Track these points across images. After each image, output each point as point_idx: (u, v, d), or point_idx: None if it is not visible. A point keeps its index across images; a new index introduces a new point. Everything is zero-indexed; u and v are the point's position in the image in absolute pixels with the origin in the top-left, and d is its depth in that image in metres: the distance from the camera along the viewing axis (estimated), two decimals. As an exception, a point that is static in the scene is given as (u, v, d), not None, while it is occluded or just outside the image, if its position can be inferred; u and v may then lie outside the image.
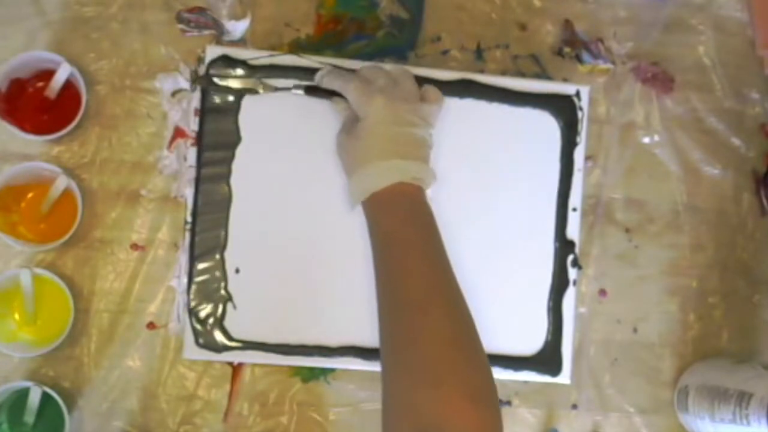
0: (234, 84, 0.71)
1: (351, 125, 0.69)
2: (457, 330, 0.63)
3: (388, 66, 0.71)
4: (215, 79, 0.71)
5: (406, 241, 0.66)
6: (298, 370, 0.75)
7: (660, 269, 0.81)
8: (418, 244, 0.66)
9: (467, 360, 0.61)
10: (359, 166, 0.67)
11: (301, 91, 0.72)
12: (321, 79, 0.71)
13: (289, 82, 0.72)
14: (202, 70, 0.72)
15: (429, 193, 0.69)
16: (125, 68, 0.74)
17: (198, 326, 0.70)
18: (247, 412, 0.74)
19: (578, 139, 0.76)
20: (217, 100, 0.71)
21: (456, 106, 0.74)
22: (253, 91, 0.71)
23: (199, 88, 0.72)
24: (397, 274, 0.65)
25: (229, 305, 0.71)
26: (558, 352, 0.75)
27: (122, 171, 0.74)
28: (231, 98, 0.72)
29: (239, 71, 0.72)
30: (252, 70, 0.72)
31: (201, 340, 0.71)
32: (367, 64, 0.71)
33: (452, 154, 0.74)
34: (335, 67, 0.72)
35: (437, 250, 0.66)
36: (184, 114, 0.74)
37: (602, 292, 0.80)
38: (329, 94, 0.71)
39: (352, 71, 0.71)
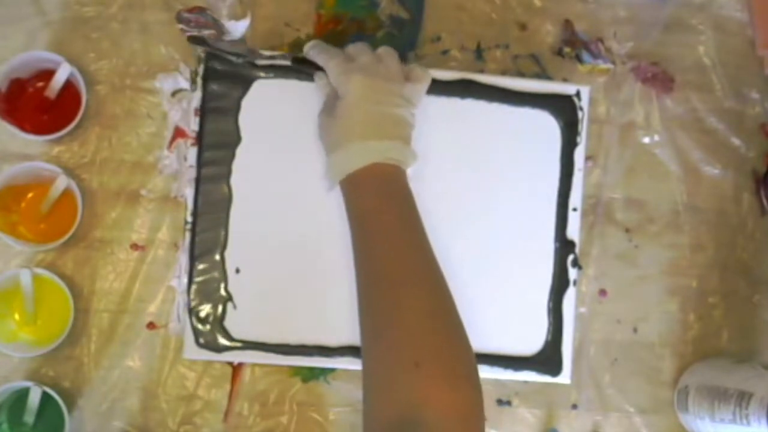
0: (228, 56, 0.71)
1: (331, 104, 0.69)
2: (436, 307, 0.62)
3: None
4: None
5: (382, 221, 0.65)
6: (298, 370, 0.75)
7: (660, 269, 0.81)
8: (394, 223, 0.65)
9: (447, 338, 0.61)
10: (336, 147, 0.67)
11: (288, 62, 0.71)
12: (308, 51, 0.71)
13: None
14: (201, 70, 0.72)
15: (410, 172, 0.68)
16: (125, 68, 0.74)
17: (198, 326, 0.70)
18: (247, 412, 0.74)
19: (578, 139, 0.76)
20: (217, 99, 0.71)
21: (456, 106, 0.74)
22: (243, 56, 0.71)
23: (199, 88, 0.72)
24: (373, 253, 0.64)
25: (229, 305, 0.71)
26: (558, 352, 0.75)
27: (122, 171, 0.74)
28: (231, 97, 0.72)
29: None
30: (251, 66, 0.72)
31: (201, 340, 0.71)
32: (356, 42, 0.71)
33: (452, 154, 0.74)
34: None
35: (414, 229, 0.66)
36: (184, 114, 0.74)
37: (602, 292, 0.80)
38: (315, 67, 0.70)
39: (335, 49, 0.70)
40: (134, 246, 0.74)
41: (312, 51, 0.70)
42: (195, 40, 0.70)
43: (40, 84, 0.72)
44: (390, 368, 0.59)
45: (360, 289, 0.65)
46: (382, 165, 0.66)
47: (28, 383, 0.68)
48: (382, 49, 0.70)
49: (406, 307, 0.61)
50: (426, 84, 0.70)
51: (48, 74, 0.71)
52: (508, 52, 0.80)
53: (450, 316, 0.62)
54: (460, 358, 0.61)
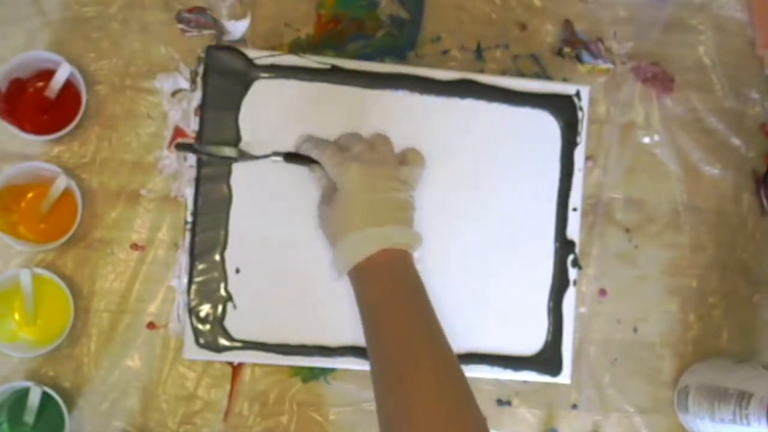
0: (215, 152, 0.71)
1: (329, 195, 0.69)
2: (448, 399, 0.61)
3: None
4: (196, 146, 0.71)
5: (388, 310, 0.65)
6: (298, 370, 0.75)
7: (660, 269, 0.81)
8: (401, 313, 0.64)
9: (457, 422, 0.60)
10: (339, 238, 0.66)
11: (280, 158, 0.71)
12: (299, 146, 0.71)
13: (269, 150, 0.71)
14: (201, 70, 0.72)
15: (417, 255, 0.68)
16: (125, 68, 0.74)
17: (198, 326, 0.70)
18: (247, 412, 0.74)
19: (578, 139, 0.76)
20: (217, 99, 0.71)
21: (456, 106, 0.74)
22: (233, 159, 0.71)
23: (198, 88, 0.72)
24: (383, 346, 0.64)
25: (229, 305, 0.71)
26: (558, 352, 0.75)
27: (122, 171, 0.74)
28: (231, 97, 0.72)
29: (239, 65, 0.71)
30: (253, 67, 0.72)
31: (201, 340, 0.71)
32: (346, 132, 0.71)
33: (452, 154, 0.74)
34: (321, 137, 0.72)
35: (423, 315, 0.65)
36: (184, 114, 0.74)
37: (602, 292, 0.80)
38: (309, 160, 0.70)
39: (327, 141, 0.70)
40: (134, 246, 0.73)
41: (305, 145, 0.70)
42: (182, 147, 0.71)
43: (40, 84, 0.72)
44: None
45: (373, 378, 0.64)
46: (388, 251, 0.65)
47: (28, 383, 0.68)
48: (374, 136, 0.71)
49: (419, 405, 0.60)
50: (422, 168, 0.71)
51: (48, 74, 0.71)
52: (508, 52, 0.80)
53: (460, 400, 0.62)
54: None
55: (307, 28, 0.77)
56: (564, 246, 0.75)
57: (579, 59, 0.80)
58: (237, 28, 0.74)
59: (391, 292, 0.65)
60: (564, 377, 0.75)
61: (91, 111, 0.74)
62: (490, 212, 0.74)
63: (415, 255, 0.68)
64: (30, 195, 0.72)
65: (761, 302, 0.82)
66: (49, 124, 0.71)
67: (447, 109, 0.73)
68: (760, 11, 0.83)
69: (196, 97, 0.72)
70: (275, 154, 0.71)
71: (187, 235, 0.71)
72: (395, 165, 0.69)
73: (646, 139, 0.82)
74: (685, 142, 0.82)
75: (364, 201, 0.66)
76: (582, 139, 0.76)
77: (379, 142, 0.70)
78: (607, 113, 0.81)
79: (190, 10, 0.75)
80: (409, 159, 0.70)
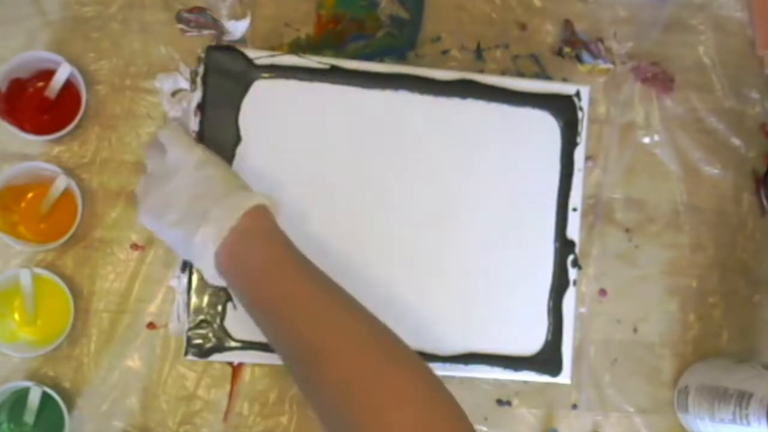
0: None
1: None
2: (379, 339, 0.59)
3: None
4: None
5: (269, 300, 0.60)
6: (298, 370, 0.75)
7: (660, 269, 0.81)
8: (280, 295, 0.60)
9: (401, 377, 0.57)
10: (197, 220, 0.62)
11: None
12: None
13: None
14: (201, 70, 0.72)
15: (278, 214, 0.65)
16: (125, 68, 0.74)
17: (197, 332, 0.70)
18: (247, 412, 0.74)
19: (578, 139, 0.76)
20: (217, 99, 0.71)
21: (456, 106, 0.74)
22: (246, 68, 0.69)
23: (198, 88, 0.72)
24: (291, 334, 0.59)
25: (229, 305, 0.71)
26: (558, 352, 0.75)
27: (122, 171, 0.74)
28: (231, 97, 0.71)
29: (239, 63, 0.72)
30: (253, 67, 0.72)
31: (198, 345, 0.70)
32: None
33: (452, 154, 0.74)
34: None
35: (300, 277, 0.61)
36: (184, 114, 0.74)
37: (602, 292, 0.80)
38: None
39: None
40: (134, 246, 0.74)
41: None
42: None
43: (40, 84, 0.72)
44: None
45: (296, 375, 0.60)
46: (250, 216, 0.61)
47: (28, 383, 0.68)
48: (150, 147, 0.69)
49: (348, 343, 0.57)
50: (172, 139, 0.67)
51: (48, 74, 0.71)
52: (508, 52, 0.80)
53: (392, 340, 0.59)
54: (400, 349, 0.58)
55: (307, 28, 0.77)
56: (564, 246, 0.75)
57: (579, 59, 0.81)
58: (237, 28, 0.74)
59: (262, 280, 0.60)
60: (564, 377, 0.75)
61: (91, 111, 0.74)
62: (489, 212, 0.74)
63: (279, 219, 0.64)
64: (30, 195, 0.72)
65: (761, 302, 0.82)
66: (49, 124, 0.71)
67: (447, 109, 0.73)
68: (760, 11, 0.83)
69: (196, 97, 0.72)
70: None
71: (187, 235, 0.71)
72: (161, 161, 0.66)
73: (646, 139, 0.82)
74: (685, 142, 0.82)
75: (189, 195, 0.62)
76: (582, 139, 0.76)
77: (151, 156, 0.67)
78: (607, 113, 0.81)
79: (190, 10, 0.75)
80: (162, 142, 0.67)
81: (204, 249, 0.61)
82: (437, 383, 0.57)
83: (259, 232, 0.62)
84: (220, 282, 0.64)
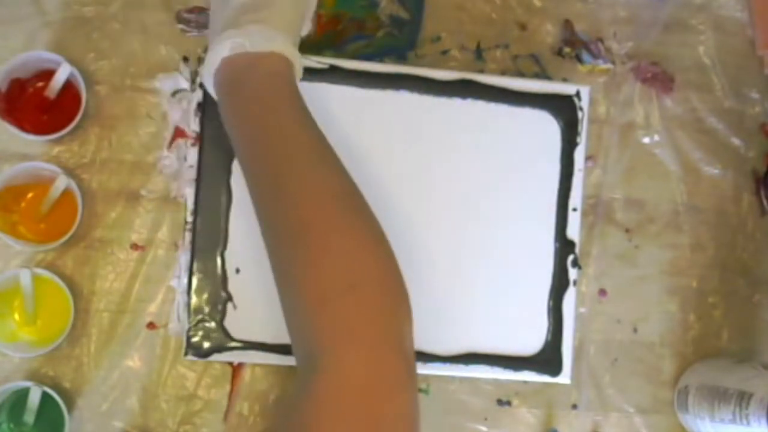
0: None
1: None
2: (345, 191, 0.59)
3: None
4: None
5: (256, 125, 0.60)
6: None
7: (660, 269, 0.81)
8: (270, 125, 0.60)
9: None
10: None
11: None
12: None
13: None
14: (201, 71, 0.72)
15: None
16: (125, 68, 0.74)
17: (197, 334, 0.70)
18: (247, 412, 0.74)
19: (578, 139, 0.76)
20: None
21: (456, 106, 0.74)
22: None
23: (198, 88, 0.72)
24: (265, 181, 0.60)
25: (229, 305, 0.71)
26: (558, 352, 0.75)
27: (122, 171, 0.74)
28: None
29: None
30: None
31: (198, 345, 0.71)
32: None
33: (452, 154, 0.74)
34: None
35: (293, 112, 0.61)
36: (184, 114, 0.74)
37: (602, 292, 0.80)
38: None
39: None
40: (134, 246, 0.74)
41: None
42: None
43: (40, 84, 0.72)
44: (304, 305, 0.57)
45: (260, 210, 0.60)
46: (247, 57, 0.60)
47: (28, 383, 0.68)
48: None
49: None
50: None
51: (48, 74, 0.71)
52: (508, 52, 0.80)
53: (359, 203, 0.59)
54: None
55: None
56: (564, 246, 0.75)
57: (579, 59, 0.81)
58: (237, 28, 0.74)
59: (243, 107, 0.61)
60: (564, 377, 0.75)
61: (91, 111, 0.74)
62: (489, 212, 0.74)
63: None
64: (30, 195, 0.72)
65: (761, 302, 0.82)
66: (49, 124, 0.71)
67: (447, 109, 0.73)
68: (760, 11, 0.83)
69: (196, 97, 0.72)
70: None
71: (187, 235, 0.71)
72: None
73: (646, 139, 0.82)
74: (685, 142, 0.82)
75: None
76: (582, 139, 0.76)
77: None
78: (607, 113, 0.81)
79: (190, 10, 0.75)
80: None
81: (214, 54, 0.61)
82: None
83: (271, 66, 0.61)
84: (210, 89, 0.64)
